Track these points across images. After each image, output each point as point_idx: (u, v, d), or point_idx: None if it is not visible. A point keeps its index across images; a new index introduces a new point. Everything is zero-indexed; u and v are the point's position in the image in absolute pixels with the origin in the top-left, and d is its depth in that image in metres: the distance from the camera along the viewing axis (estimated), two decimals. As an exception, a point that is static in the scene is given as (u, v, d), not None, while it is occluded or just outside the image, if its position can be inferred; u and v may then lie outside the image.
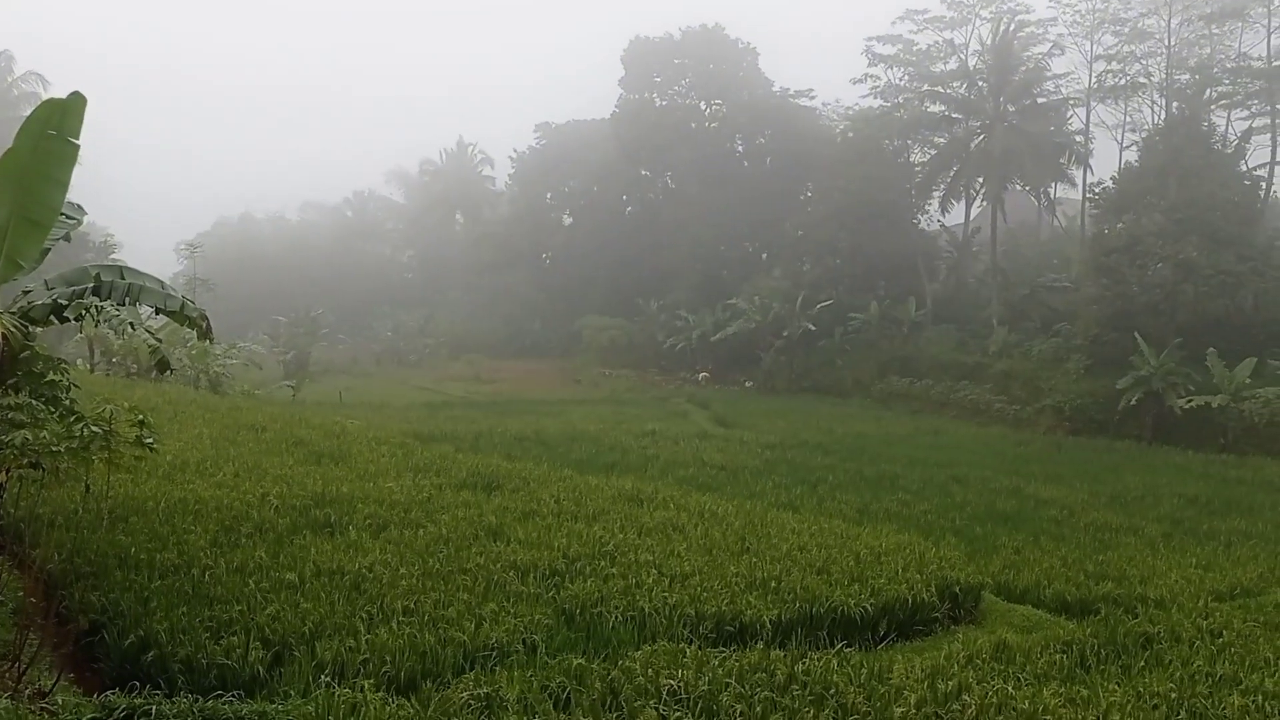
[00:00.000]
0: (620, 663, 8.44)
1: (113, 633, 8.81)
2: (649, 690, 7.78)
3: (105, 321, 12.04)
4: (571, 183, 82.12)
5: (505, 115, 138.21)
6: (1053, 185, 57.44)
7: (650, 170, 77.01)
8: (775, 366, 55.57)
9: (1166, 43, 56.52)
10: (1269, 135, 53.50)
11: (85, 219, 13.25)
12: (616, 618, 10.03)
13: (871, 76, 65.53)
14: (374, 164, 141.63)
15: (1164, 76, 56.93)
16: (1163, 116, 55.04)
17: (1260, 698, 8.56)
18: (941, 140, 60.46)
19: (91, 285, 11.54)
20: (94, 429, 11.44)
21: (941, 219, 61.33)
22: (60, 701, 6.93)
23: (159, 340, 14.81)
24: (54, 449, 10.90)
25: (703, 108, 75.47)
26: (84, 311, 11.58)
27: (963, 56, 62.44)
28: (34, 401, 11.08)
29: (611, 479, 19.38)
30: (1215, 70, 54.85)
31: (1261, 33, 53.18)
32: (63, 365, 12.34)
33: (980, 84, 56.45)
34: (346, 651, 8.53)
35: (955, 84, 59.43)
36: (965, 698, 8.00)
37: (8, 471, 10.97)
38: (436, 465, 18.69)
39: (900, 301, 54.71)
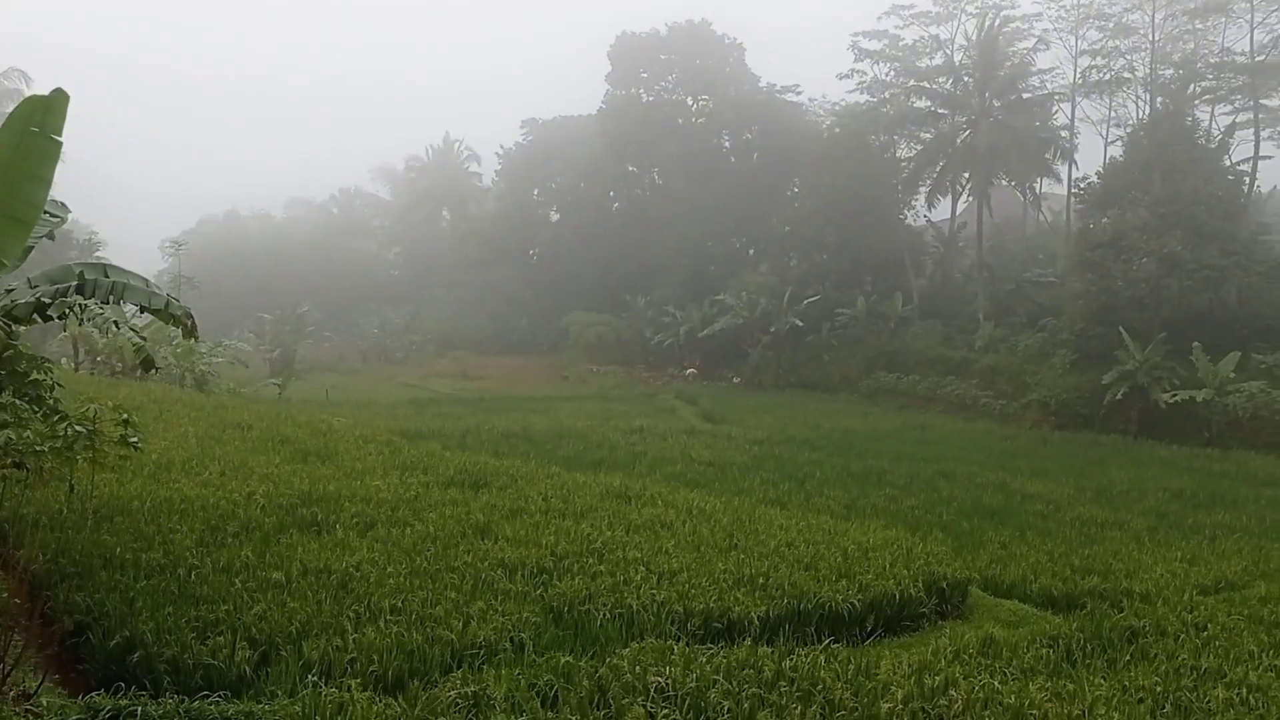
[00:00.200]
0: (608, 660, 8.45)
1: (98, 633, 8.75)
2: (637, 688, 7.78)
3: (89, 320, 11.96)
4: (558, 179, 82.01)
5: (492, 111, 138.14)
6: (1038, 180, 57.67)
7: (637, 166, 77.02)
8: (763, 362, 55.65)
9: (1151, 38, 56.81)
10: (1252, 130, 53.88)
11: (69, 216, 13.16)
12: (604, 615, 10.03)
13: (858, 72, 65.62)
14: (360, 161, 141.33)
15: (1148, 71, 57.22)
16: (1147, 111, 55.30)
17: (1244, 690, 8.62)
18: (927, 136, 60.60)
19: (75, 283, 11.45)
20: (78, 428, 11.38)
21: (928, 214, 61.51)
22: (45, 703, 6.90)
23: (144, 339, 14.72)
24: (38, 449, 10.85)
25: (689, 103, 75.48)
26: (68, 310, 11.50)
27: (948, 52, 62.57)
28: (18, 401, 11.01)
29: (599, 476, 19.37)
30: (1199, 65, 55.15)
31: (1245, 28, 53.53)
32: (46, 364, 12.25)
33: (966, 79, 56.61)
34: (333, 651, 8.50)
35: (941, 79, 59.54)
36: (952, 693, 8.03)
37: (-9, 472, 10.91)
38: (423, 463, 18.65)
39: (887, 297, 54.84)
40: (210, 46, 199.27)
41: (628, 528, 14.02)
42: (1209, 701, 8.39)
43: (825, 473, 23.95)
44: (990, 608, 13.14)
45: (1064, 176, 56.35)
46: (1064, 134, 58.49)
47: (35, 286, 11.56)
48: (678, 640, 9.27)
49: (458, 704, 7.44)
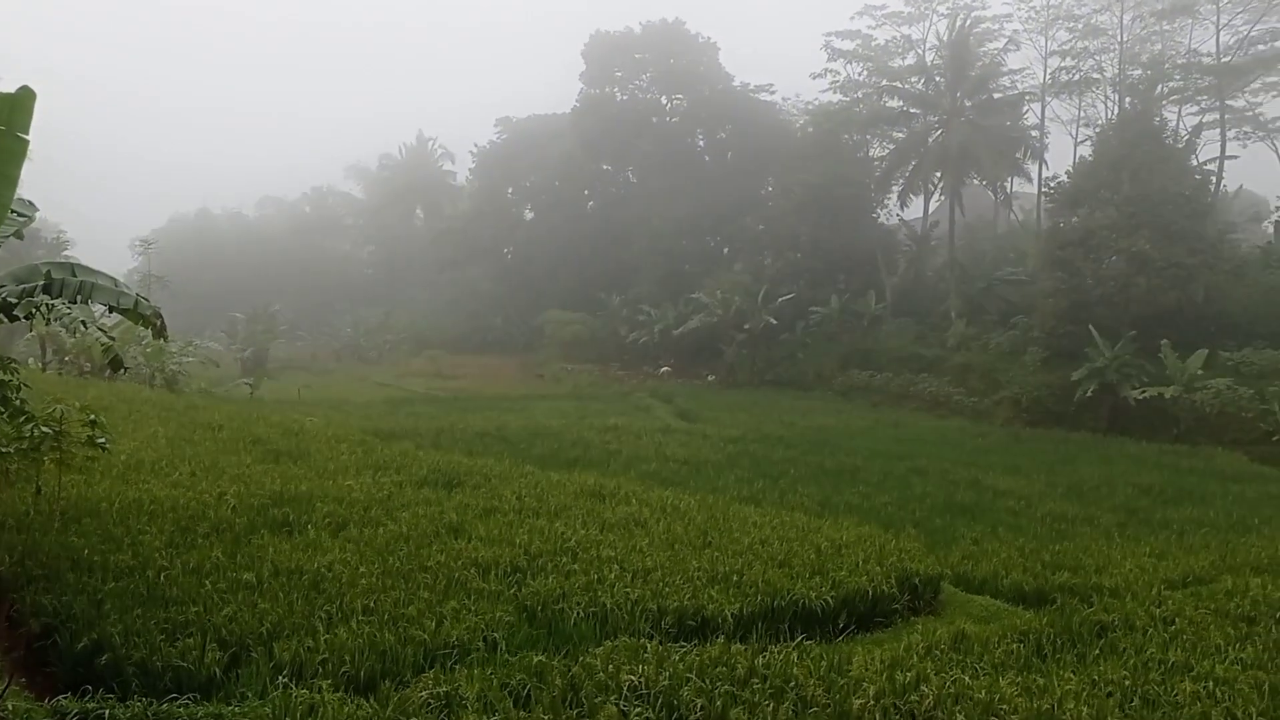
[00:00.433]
0: (581, 659, 8.44)
1: (65, 636, 8.67)
2: (610, 686, 7.78)
3: (57, 320, 11.84)
4: (533, 177, 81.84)
5: (466, 110, 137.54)
6: (1009, 180, 58.13)
7: (612, 165, 76.98)
8: (737, 360, 55.77)
9: (1119, 39, 57.51)
10: (1218, 130, 54.57)
11: (36, 215, 13.00)
12: (578, 614, 10.02)
13: (831, 71, 66.04)
14: (333, 159, 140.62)
15: (1117, 72, 57.89)
16: (1116, 112, 55.90)
17: (1211, 684, 8.71)
18: (900, 135, 60.91)
19: (42, 283, 11.32)
20: (44, 429, 11.27)
21: (900, 213, 61.91)
22: (11, 707, 6.81)
23: (112, 339, 14.58)
24: (3, 450, 10.74)
25: (664, 102, 75.53)
26: (35, 310, 11.37)
27: (920, 52, 63.09)
28: (-17, 402, 10.89)
29: (574, 475, 19.35)
30: (1166, 66, 55.83)
31: (1211, 30, 54.27)
32: (13, 364, 12.12)
33: (938, 79, 56.94)
34: (305, 652, 8.45)
35: (913, 79, 59.89)
36: (923, 688, 8.07)
37: (-44, 473, 10.78)
38: (397, 462, 18.57)
39: (860, 295, 55.07)
40: (181, 48, 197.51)
41: (602, 526, 14.02)
42: (1176, 695, 8.47)
43: (799, 470, 24.02)
44: (962, 603, 13.22)
45: (1034, 176, 56.91)
46: (1034, 134, 59.03)
47: (2, 286, 11.42)
48: (651, 638, 9.28)
49: (430, 704, 7.42)
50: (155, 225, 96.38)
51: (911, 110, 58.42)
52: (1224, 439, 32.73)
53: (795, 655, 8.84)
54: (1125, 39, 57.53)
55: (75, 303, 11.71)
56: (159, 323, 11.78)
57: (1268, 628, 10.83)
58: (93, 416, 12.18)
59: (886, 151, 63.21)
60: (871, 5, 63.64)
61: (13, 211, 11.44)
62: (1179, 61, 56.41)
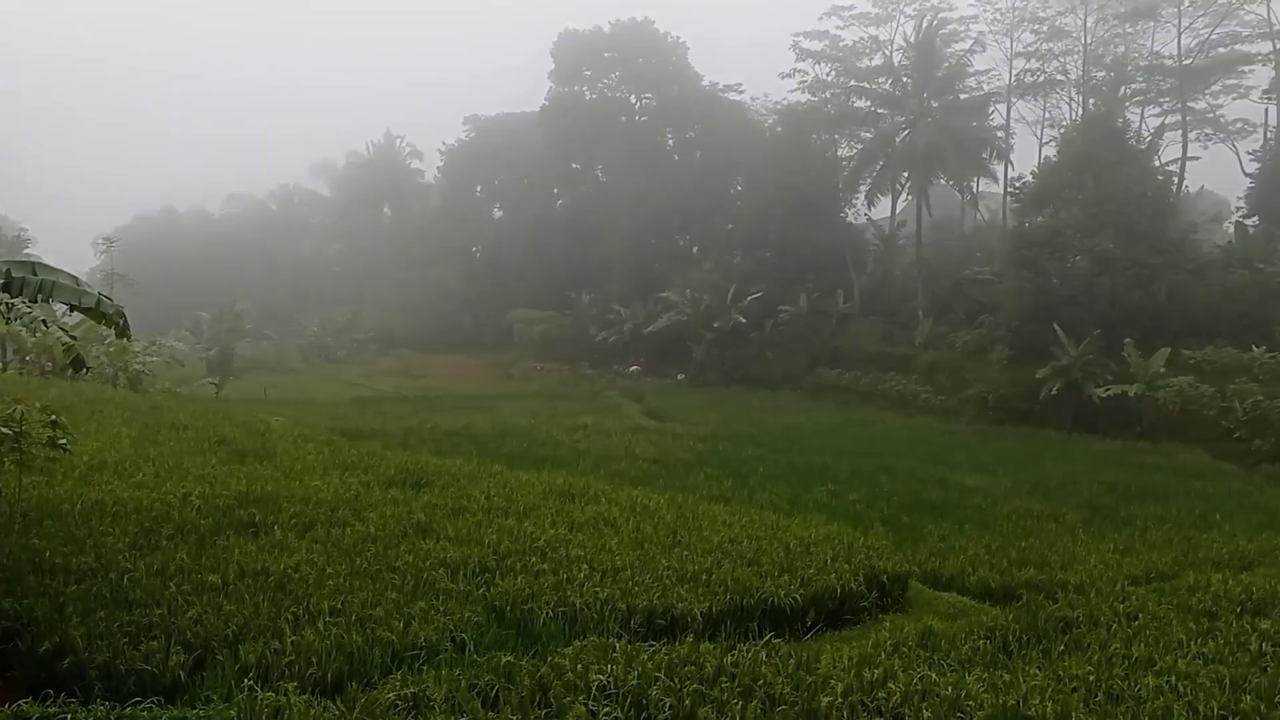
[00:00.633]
0: (550, 659, 8.42)
1: (26, 639, 8.58)
2: (578, 686, 7.77)
3: (17, 319, 11.66)
4: (502, 176, 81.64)
5: (434, 108, 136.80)
6: (975, 180, 58.56)
7: (581, 164, 76.91)
8: (707, 359, 55.88)
9: (1083, 41, 58.17)
10: (1180, 132, 55.34)
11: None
12: (547, 614, 10.00)
13: (799, 71, 66.36)
14: (299, 157, 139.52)
15: (1081, 74, 58.56)
16: (1080, 113, 56.56)
17: (1173, 678, 8.81)
18: (868, 135, 61.23)
19: (2, 281, 11.16)
20: (4, 430, 11.10)
21: (868, 213, 62.25)
22: (-30, 712, 6.71)
23: (74, 338, 14.37)
24: (-38, 451, 10.55)
25: (633, 101, 75.55)
26: (-6, 309, 11.19)
27: (887, 53, 63.51)
28: (-60, 403, 10.70)
29: (543, 474, 19.30)
30: (1129, 68, 56.62)
31: (1173, 33, 55.00)
32: (-29, 364, 11.93)
33: (905, 80, 57.30)
34: (271, 654, 8.38)
35: (880, 80, 60.25)
36: (891, 685, 8.11)
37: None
38: (364, 462, 18.45)
39: (829, 294, 55.30)
40: (147, 42, 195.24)
41: (571, 526, 14.00)
42: (1140, 689, 8.56)
43: (768, 469, 24.09)
44: (930, 600, 13.31)
45: (1000, 176, 57.41)
46: (1000, 134, 59.59)
47: (-40, 285, 11.24)
48: (620, 638, 9.27)
49: (397, 705, 7.37)
50: (120, 223, 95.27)
51: (879, 110, 58.75)
52: (1186, 436, 33.10)
53: (764, 653, 8.86)
54: (1089, 41, 58.22)
55: (36, 301, 11.54)
56: (121, 322, 11.64)
57: (1229, 622, 10.98)
58: (54, 417, 12.01)
59: (854, 151, 63.50)
60: (839, 6, 64.03)
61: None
62: (1141, 64, 57.23)
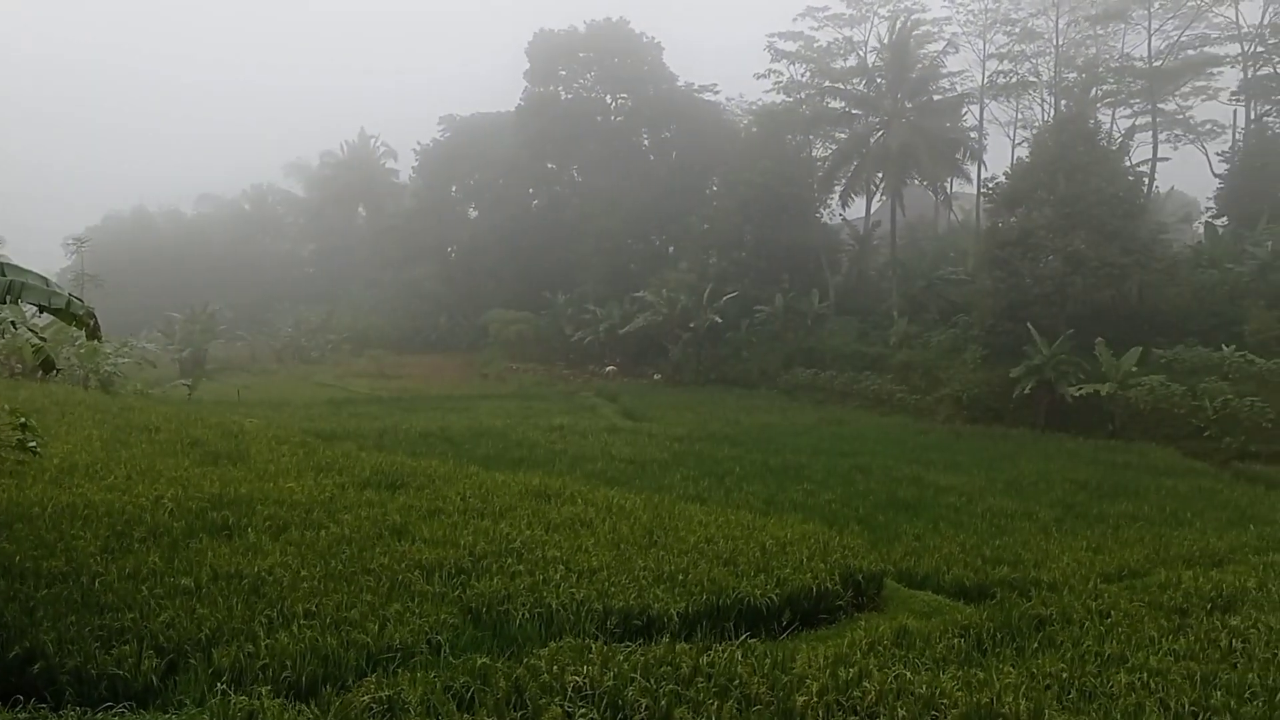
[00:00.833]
0: (526, 660, 8.42)
1: (-5, 645, 8.46)
2: (554, 687, 7.77)
3: (-15, 320, 11.54)
4: (477, 176, 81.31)
5: (408, 107, 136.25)
6: (949, 180, 58.81)
7: (556, 164, 76.76)
8: (683, 359, 55.90)
9: (1055, 43, 58.56)
10: (1150, 133, 55.90)
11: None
12: (523, 615, 10.00)
13: (774, 72, 66.51)
14: (273, 156, 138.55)
15: (1053, 75, 59.00)
16: (1052, 114, 56.95)
17: (1145, 675, 8.92)
18: (842, 136, 61.44)
19: (-31, 283, 11.02)
20: (-27, 433, 10.96)
21: (843, 213, 62.36)
22: (-62, 719, 6.64)
23: (44, 339, 14.26)
24: (-70, 454, 10.42)
25: (608, 101, 75.43)
26: (-39, 310, 11.07)
27: (861, 54, 63.68)
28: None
29: (519, 475, 19.28)
30: (1100, 70, 57.11)
31: (1143, 34, 55.50)
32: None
33: (879, 81, 57.52)
34: (245, 657, 8.34)
35: (855, 80, 60.44)
36: (866, 684, 8.16)
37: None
38: (339, 464, 18.37)
39: (804, 294, 55.40)
40: (116, 42, 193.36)
41: (547, 526, 13.99)
42: (1112, 686, 8.66)
43: (744, 468, 24.14)
44: (905, 599, 13.40)
45: (973, 176, 57.64)
46: (973, 135, 59.90)
47: (-74, 286, 11.09)
48: (596, 639, 9.28)
49: (372, 709, 7.36)
50: (90, 223, 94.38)
51: (853, 111, 58.93)
52: (1157, 434, 33.40)
53: (740, 653, 8.89)
54: (1060, 43, 58.64)
55: (5, 303, 11.42)
56: (92, 323, 11.52)
57: (1199, 619, 11.12)
58: (23, 419, 11.90)
59: (829, 152, 63.71)
60: (814, 7, 64.20)
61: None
62: (1112, 65, 57.69)
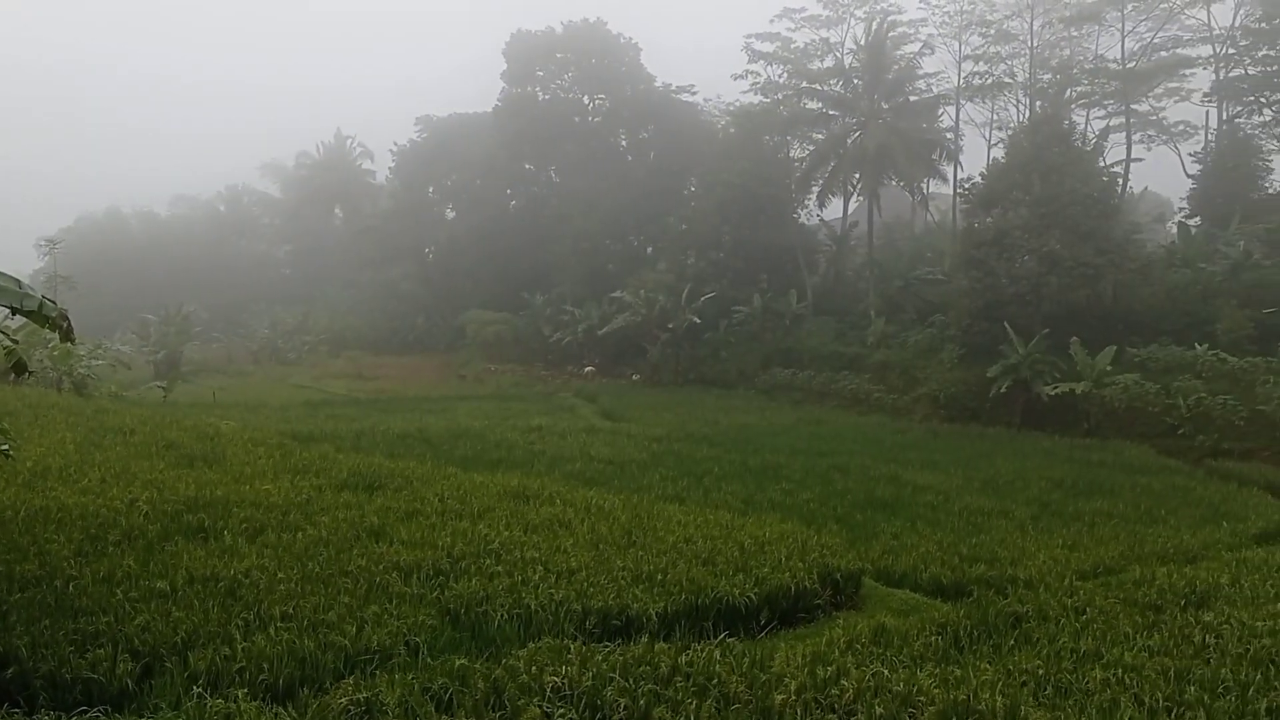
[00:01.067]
0: (505, 661, 8.40)
1: (-32, 650, 8.38)
2: (533, 688, 7.76)
3: (-44, 323, 11.41)
4: (454, 176, 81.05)
5: (385, 107, 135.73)
6: (925, 181, 59.14)
7: (534, 164, 76.65)
8: (661, 359, 55.91)
9: (1029, 44, 59.01)
10: (1124, 134, 56.40)
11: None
12: (502, 616, 9.98)
13: (751, 73, 66.63)
14: (248, 156, 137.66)
15: (1027, 76, 59.41)
16: (1027, 115, 57.31)
17: (1120, 670, 9.00)
18: (819, 136, 61.61)
19: (-61, 285, 10.89)
20: (-56, 436, 10.84)
21: (820, 213, 62.60)
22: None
23: (16, 341, 14.09)
24: (-101, 458, 10.30)
25: (586, 102, 75.38)
26: (-69, 312, 10.93)
27: (838, 55, 63.89)
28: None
29: (497, 476, 19.24)
30: (1075, 71, 57.59)
31: (1117, 36, 56.03)
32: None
33: (856, 82, 57.72)
34: (221, 660, 8.29)
35: (832, 81, 60.64)
36: (844, 682, 8.19)
37: None
38: (316, 466, 18.28)
39: (782, 294, 55.53)
40: (87, 44, 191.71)
41: (526, 527, 13.97)
42: (1087, 682, 8.73)
43: (723, 468, 24.17)
44: (882, 597, 13.46)
45: (950, 177, 57.95)
46: (949, 136, 60.16)
47: (-105, 288, 10.95)
48: (575, 639, 9.28)
49: (349, 711, 7.33)
50: (63, 225, 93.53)
51: (830, 112, 59.10)
52: (1132, 433, 33.67)
53: (718, 653, 8.91)
54: (1035, 44, 59.07)
55: (-24, 305, 11.29)
56: (65, 325, 11.41)
57: (1173, 615, 11.23)
58: (-5, 422, 11.75)
59: (806, 152, 63.85)
60: (790, 8, 64.39)
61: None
62: (1086, 67, 58.16)
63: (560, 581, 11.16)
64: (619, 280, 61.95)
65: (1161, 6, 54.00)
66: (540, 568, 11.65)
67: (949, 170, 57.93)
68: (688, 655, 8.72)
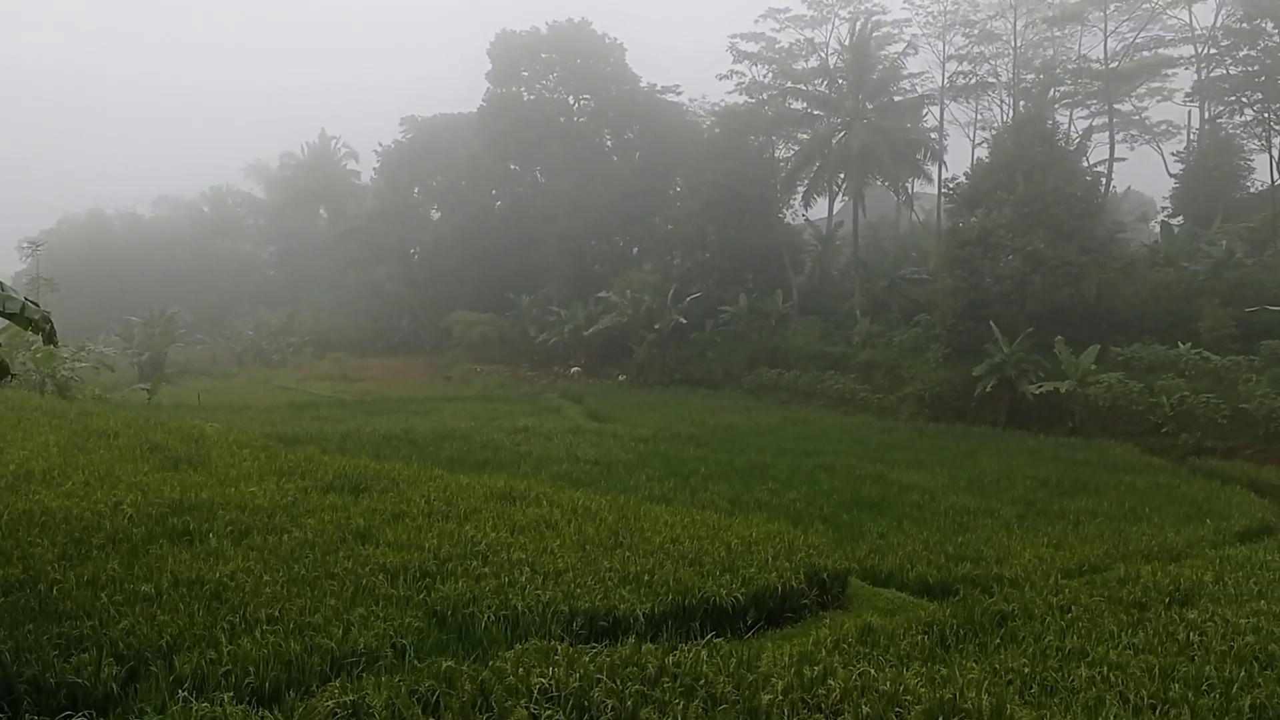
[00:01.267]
0: (492, 663, 8.39)
1: (-50, 655, 8.31)
2: (520, 690, 7.75)
3: (-64, 325, 11.33)
4: (439, 177, 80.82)
5: (369, 108, 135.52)
6: (910, 181, 59.37)
7: (519, 165, 76.51)
8: (647, 359, 55.90)
9: (1013, 44, 59.35)
10: (1107, 133, 56.73)
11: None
12: (489, 618, 9.96)
13: (736, 73, 66.77)
14: (232, 157, 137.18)
15: (1011, 76, 59.74)
16: (1011, 115, 57.60)
17: (1105, 668, 9.05)
18: (804, 136, 61.77)
19: (-80, 287, 10.81)
20: (-75, 440, 10.76)
21: (805, 213, 62.72)
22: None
23: (-2, 344, 14.01)
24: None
25: (571, 102, 75.29)
26: (-88, 315, 10.83)
27: (823, 55, 64.09)
28: None
29: (483, 477, 19.20)
30: (1058, 71, 57.93)
31: (1099, 36, 56.35)
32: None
33: (840, 82, 57.90)
34: (206, 664, 8.25)
35: (816, 81, 60.80)
36: (830, 682, 8.20)
37: None
38: (301, 468, 18.20)
39: (768, 294, 55.61)
40: (70, 44, 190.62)
41: (512, 529, 13.95)
42: (1073, 680, 8.77)
43: (709, 468, 24.18)
44: (869, 597, 13.49)
45: (934, 177, 58.20)
46: (934, 136, 60.41)
47: (-124, 290, 10.86)
48: (562, 640, 9.27)
49: (336, 714, 7.31)
50: (45, 226, 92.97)
51: (815, 112, 59.27)
52: (1116, 431, 33.82)
53: (705, 653, 8.91)
54: (1019, 44, 59.40)
55: (-44, 308, 11.21)
56: (49, 327, 11.34)
57: (1157, 613, 11.30)
58: (-23, 426, 11.67)
59: (792, 152, 64.00)
60: (775, 8, 64.51)
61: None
62: (1069, 67, 58.52)
63: (547, 583, 11.15)
64: (605, 281, 61.92)
65: (1144, 7, 54.39)
66: (527, 569, 11.63)
67: (933, 170, 58.24)
68: (675, 656, 8.72)
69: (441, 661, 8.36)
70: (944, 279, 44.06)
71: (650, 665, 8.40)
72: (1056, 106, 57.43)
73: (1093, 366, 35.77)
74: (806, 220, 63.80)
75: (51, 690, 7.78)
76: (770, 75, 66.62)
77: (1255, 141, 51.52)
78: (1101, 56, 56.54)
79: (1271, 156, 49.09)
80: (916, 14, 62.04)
